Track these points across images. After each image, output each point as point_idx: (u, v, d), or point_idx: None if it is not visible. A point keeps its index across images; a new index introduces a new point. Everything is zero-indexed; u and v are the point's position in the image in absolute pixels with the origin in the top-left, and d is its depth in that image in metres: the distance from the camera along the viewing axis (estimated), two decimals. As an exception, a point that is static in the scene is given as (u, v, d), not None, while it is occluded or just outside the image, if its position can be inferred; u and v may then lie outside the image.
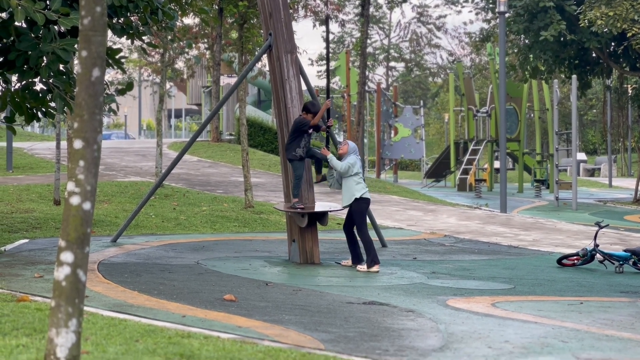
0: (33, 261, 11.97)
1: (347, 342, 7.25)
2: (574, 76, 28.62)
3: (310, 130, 12.88)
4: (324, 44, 65.34)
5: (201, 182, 24.81)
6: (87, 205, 4.86)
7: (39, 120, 12.60)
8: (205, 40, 38.45)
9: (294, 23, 34.46)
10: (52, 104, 12.03)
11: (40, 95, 11.79)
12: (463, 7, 45.62)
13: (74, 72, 12.31)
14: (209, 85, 47.56)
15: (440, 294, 10.29)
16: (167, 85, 61.58)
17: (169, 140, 47.34)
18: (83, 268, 4.85)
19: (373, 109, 44.43)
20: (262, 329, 7.61)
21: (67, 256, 4.81)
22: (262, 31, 17.02)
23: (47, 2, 10.83)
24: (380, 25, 75.67)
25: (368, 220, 13.47)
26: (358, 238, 12.61)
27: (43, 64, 11.10)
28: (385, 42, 76.23)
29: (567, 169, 49.57)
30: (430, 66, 78.54)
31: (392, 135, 42.39)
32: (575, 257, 13.47)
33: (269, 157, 33.40)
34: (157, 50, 30.80)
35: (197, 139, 29.99)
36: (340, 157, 12.87)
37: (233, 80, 43.72)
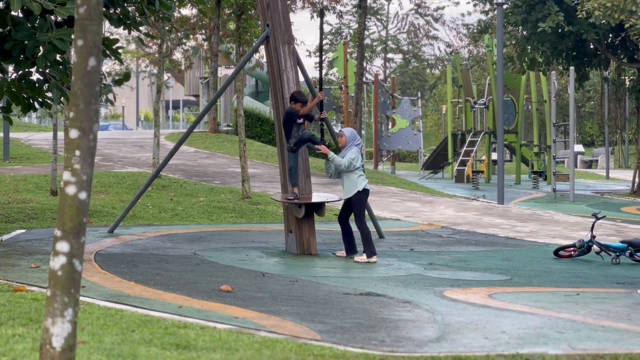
0: (30, 251, 11.97)
1: (343, 333, 7.25)
2: (572, 68, 28.59)
3: (300, 120, 12.82)
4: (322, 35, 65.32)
5: (198, 173, 24.80)
6: (83, 195, 4.85)
7: (35, 110, 12.59)
8: (203, 31, 38.41)
9: (291, 14, 34.43)
10: (49, 94, 12.02)
11: (37, 85, 11.77)
12: (461, -2, 45.63)
13: (71, 61, 12.29)
14: (207, 76, 47.52)
15: (437, 285, 10.29)
16: (165, 77, 61.50)
17: (166, 131, 47.30)
18: (79, 258, 4.84)
19: (370, 100, 44.37)
20: (258, 320, 7.61)
21: (63, 246, 4.80)
22: (259, 22, 17.01)
23: (44, -9, 10.80)
24: (378, 16, 75.59)
25: (366, 211, 13.47)
26: (355, 229, 12.60)
27: (39, 54, 11.08)
28: (383, 33, 76.16)
29: (564, 160, 49.57)
30: (428, 58, 78.49)
31: (390, 126, 42.34)
32: (572, 249, 13.48)
33: (266, 148, 33.40)
34: (155, 41, 30.77)
35: (195, 130, 29.99)
36: (340, 149, 12.84)
37: (231, 72, 43.65)
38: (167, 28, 23.51)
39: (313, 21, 69.15)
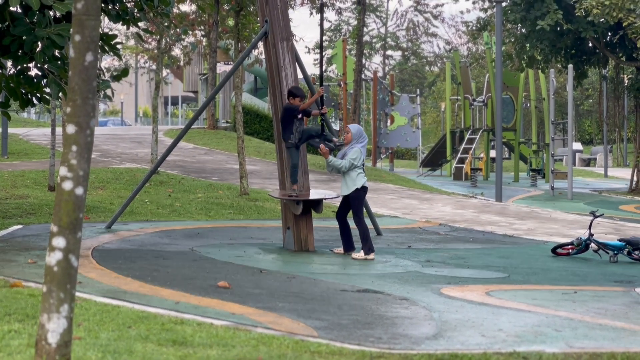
0: (27, 247, 11.96)
1: (340, 330, 7.25)
2: (570, 66, 28.58)
3: (300, 115, 12.82)
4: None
5: (196, 169, 24.79)
6: (79, 190, 4.84)
7: (33, 105, 12.58)
8: (202, 27, 38.38)
9: (290, 11, 34.41)
10: (47, 90, 12.00)
11: (35, 80, 11.76)
12: (460, -4, 45.57)
13: (69, 57, 12.29)
14: (206, 72, 47.46)
15: (435, 283, 10.29)
16: (164, 72, 61.45)
17: (165, 127, 47.29)
18: (75, 253, 4.84)
19: (369, 97, 44.35)
20: (255, 316, 7.61)
21: (59, 241, 4.80)
22: (258, 18, 16.99)
23: (42, -13, 10.78)
24: (377, 13, 75.53)
25: (364, 208, 13.45)
26: (354, 225, 12.58)
27: (38, 49, 11.07)
28: (382, 30, 76.12)
29: (562, 158, 49.59)
30: (427, 55, 78.43)
31: (389, 123, 42.32)
32: (569, 247, 13.48)
33: (264, 145, 33.39)
34: (153, 36, 30.73)
35: (193, 126, 29.96)
36: (344, 145, 12.80)
37: (229, 68, 43.65)
38: (165, 24, 23.47)
39: (312, 18, 69.20)
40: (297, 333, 6.97)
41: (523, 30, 31.29)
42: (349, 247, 12.73)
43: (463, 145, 38.52)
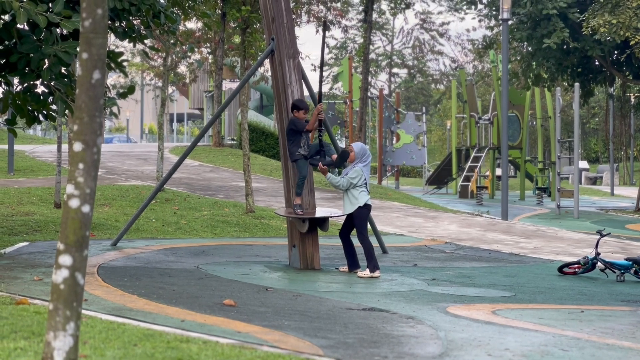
0: (33, 264, 11.95)
1: (346, 348, 7.22)
2: (577, 84, 28.60)
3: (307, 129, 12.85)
4: (327, 50, 65.31)
5: (202, 187, 24.79)
6: (86, 208, 4.84)
7: (40, 122, 12.60)
8: (208, 44, 38.49)
9: (296, 28, 34.47)
10: (53, 107, 12.03)
11: (42, 97, 11.78)
12: (466, 14, 45.67)
13: (76, 74, 12.31)
14: (211, 89, 47.58)
15: (441, 301, 10.26)
16: (170, 90, 61.59)
17: (170, 144, 47.34)
18: (81, 271, 4.83)
19: (375, 115, 44.41)
20: (261, 334, 7.58)
21: (66, 259, 4.79)
22: (264, 36, 17.02)
23: (50, 4, 10.82)
24: (383, 31, 75.70)
25: (369, 226, 13.44)
26: (358, 243, 12.56)
27: (45, 67, 11.09)
28: (388, 48, 76.28)
29: (569, 177, 49.56)
30: (432, 73, 78.57)
31: (394, 141, 42.36)
32: (576, 266, 13.44)
33: (270, 162, 33.40)
34: (160, 54, 30.82)
35: (199, 144, 29.98)
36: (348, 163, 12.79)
37: (235, 85, 43.70)
38: (172, 41, 23.55)
39: (318, 35, 69.19)
40: (303, 352, 6.95)
41: (529, 49, 31.35)
42: (354, 265, 12.70)
43: (469, 164, 38.51)
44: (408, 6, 38.42)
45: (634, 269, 13.01)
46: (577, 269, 13.39)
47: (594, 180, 57.32)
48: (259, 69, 28.69)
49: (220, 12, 29.74)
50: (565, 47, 29.93)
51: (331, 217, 13.70)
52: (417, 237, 18.28)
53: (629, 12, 26.89)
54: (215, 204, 21.08)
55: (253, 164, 27.76)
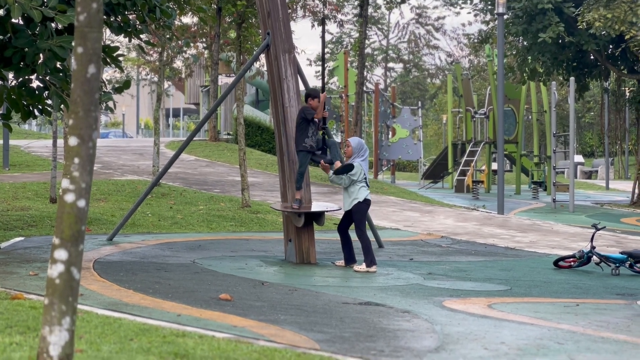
0: (28, 259, 11.95)
1: (342, 343, 7.23)
2: (572, 78, 28.60)
3: (317, 120, 12.81)
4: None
5: (198, 181, 24.79)
6: (81, 203, 4.83)
7: (35, 117, 12.58)
8: (204, 39, 38.45)
9: (292, 23, 34.47)
10: (49, 101, 12.01)
11: (37, 92, 11.77)
12: (462, 8, 45.65)
13: (71, 69, 12.32)
14: (207, 84, 47.56)
15: (437, 295, 10.27)
16: (165, 84, 61.53)
17: (166, 139, 47.31)
18: (77, 266, 4.83)
19: (371, 109, 44.39)
20: (257, 329, 7.59)
21: (61, 254, 4.79)
22: (260, 30, 17.02)
23: (45, -1, 10.80)
24: (379, 26, 75.70)
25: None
26: (355, 238, 12.56)
27: (40, 61, 11.08)
28: (384, 42, 76.26)
29: (564, 171, 49.58)
30: (428, 67, 78.59)
31: (390, 136, 42.34)
32: (571, 259, 13.45)
33: (266, 157, 33.39)
34: (155, 49, 30.77)
35: (195, 138, 29.95)
36: (346, 158, 12.80)
37: (231, 80, 43.66)
38: (167, 36, 23.53)
39: (314, 30, 69.15)
40: (299, 346, 6.95)
41: (525, 43, 31.33)
42: (350, 259, 12.71)
43: (465, 158, 38.51)
44: (404, 0, 38.36)
45: (629, 262, 13.03)
46: (572, 263, 13.41)
47: (589, 174, 57.35)
48: (254, 63, 28.66)
49: (215, 6, 29.69)
50: (560, 41, 29.91)
51: (327, 211, 13.70)
52: (413, 232, 18.29)
53: (623, 6, 26.88)
54: (211, 198, 21.07)
55: (249, 158, 27.74)
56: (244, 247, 14.61)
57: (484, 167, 39.53)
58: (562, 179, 45.82)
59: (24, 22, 11.07)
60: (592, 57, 31.51)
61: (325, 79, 61.39)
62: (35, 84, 11.85)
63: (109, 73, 56.40)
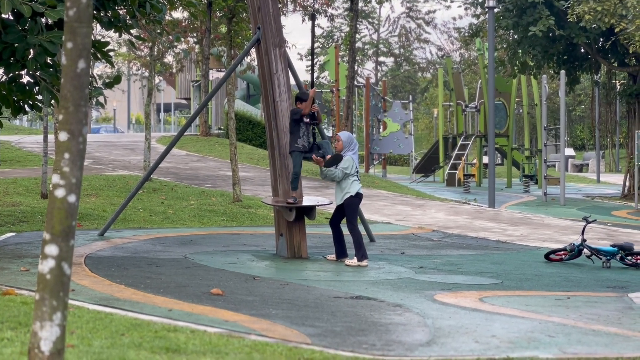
0: (19, 254, 11.93)
1: (334, 337, 7.24)
2: (563, 72, 28.64)
3: (307, 120, 12.81)
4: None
5: (189, 176, 24.77)
6: (72, 198, 4.82)
7: (25, 113, 12.56)
8: (194, 34, 38.38)
9: (282, 17, 34.42)
10: (39, 97, 11.98)
11: (27, 87, 11.74)
12: (452, 2, 45.69)
13: (61, 64, 12.29)
14: (198, 79, 47.48)
15: (428, 289, 10.28)
16: (156, 79, 61.38)
17: (157, 134, 47.24)
18: (68, 261, 4.82)
19: (362, 103, 44.39)
20: (249, 323, 7.60)
21: (52, 249, 4.78)
22: (250, 25, 17.00)
23: (34, -6, 10.77)
24: (370, 20, 75.68)
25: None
26: (347, 232, 12.57)
27: (30, 57, 11.05)
28: (375, 37, 76.25)
29: (555, 164, 49.65)
30: (419, 61, 78.61)
31: (381, 130, 42.36)
32: (562, 252, 13.49)
33: (257, 152, 33.37)
34: (146, 43, 30.73)
35: (186, 133, 29.92)
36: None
37: (222, 75, 43.64)
38: (158, 31, 23.48)
39: (304, 24, 69.10)
40: (290, 340, 6.96)
41: (515, 36, 31.36)
42: (341, 253, 12.72)
43: (456, 152, 38.56)
44: (394, -6, 38.33)
45: (620, 255, 13.07)
46: (563, 256, 13.44)
47: (580, 168, 57.45)
48: (245, 58, 28.65)
49: (206, 1, 29.65)
50: (550, 34, 29.94)
51: (318, 205, 13.71)
52: (405, 225, 18.31)
53: (614, -1, 26.92)
54: (202, 193, 21.06)
55: (240, 153, 27.71)
56: (235, 242, 14.61)
57: (475, 161, 39.60)
58: (553, 172, 45.89)
59: (13, 17, 11.04)
60: (582, 50, 31.55)
61: (317, 74, 61.23)
62: (25, 79, 11.82)
63: (100, 68, 56.27)
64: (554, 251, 13.64)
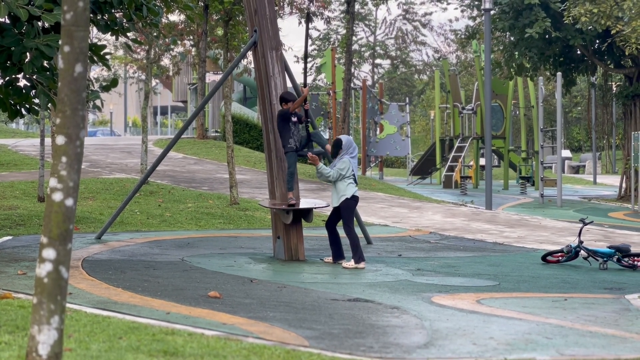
0: (16, 258, 11.92)
1: (331, 339, 7.24)
2: (559, 73, 28.66)
3: (295, 119, 12.84)
4: (310, 41, 65.27)
5: (186, 179, 24.76)
6: (69, 202, 4.83)
7: (22, 116, 12.55)
8: (191, 37, 38.35)
9: (279, 20, 34.43)
10: (36, 100, 11.98)
11: (24, 91, 11.74)
12: (449, 4, 45.76)
13: (58, 68, 12.28)
14: (195, 82, 47.46)
15: (425, 291, 10.29)
16: (153, 82, 61.37)
17: (154, 137, 47.21)
18: (65, 265, 4.82)
19: (358, 106, 44.40)
20: (246, 326, 7.60)
21: (49, 253, 4.78)
22: (247, 28, 17.01)
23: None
24: (366, 22, 75.60)
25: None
26: (344, 234, 12.58)
27: (26, 60, 11.05)
28: (371, 39, 76.20)
29: (552, 166, 49.69)
30: (416, 63, 78.52)
31: (378, 132, 42.36)
32: (559, 254, 13.50)
33: (254, 154, 33.37)
34: (142, 47, 30.73)
35: (183, 136, 29.89)
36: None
37: (218, 78, 43.62)
38: (154, 34, 23.49)
39: (301, 27, 69.10)
40: (288, 343, 6.96)
41: (512, 38, 31.40)
42: (338, 256, 12.73)
43: (452, 154, 38.56)
44: (390, -4, 38.34)
45: (617, 256, 13.07)
46: (560, 258, 13.45)
47: (576, 169, 57.50)
48: (242, 60, 28.64)
49: (202, 4, 29.66)
50: (547, 36, 29.97)
51: (315, 208, 13.72)
52: (402, 228, 18.31)
53: (609, 1, 26.96)
54: (199, 196, 21.06)
55: (237, 155, 27.72)
56: (232, 245, 14.61)
57: (471, 163, 39.61)
58: (549, 173, 45.92)
59: (10, 21, 11.04)
60: (578, 52, 31.60)
61: (313, 76, 61.19)
62: (22, 82, 11.82)
63: (97, 71, 56.25)
64: (551, 253, 13.65)
